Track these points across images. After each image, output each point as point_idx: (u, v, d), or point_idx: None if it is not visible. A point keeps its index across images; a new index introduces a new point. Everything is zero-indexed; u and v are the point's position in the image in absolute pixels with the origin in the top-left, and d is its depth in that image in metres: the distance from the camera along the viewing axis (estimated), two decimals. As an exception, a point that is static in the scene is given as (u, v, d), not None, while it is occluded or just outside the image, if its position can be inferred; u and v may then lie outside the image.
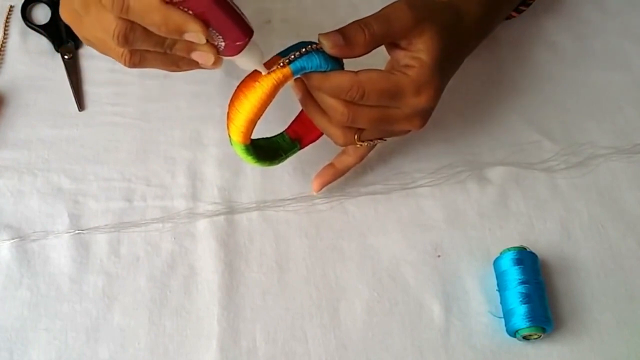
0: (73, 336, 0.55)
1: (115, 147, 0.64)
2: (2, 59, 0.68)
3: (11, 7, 0.70)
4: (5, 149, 0.63)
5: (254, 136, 0.53)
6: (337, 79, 0.50)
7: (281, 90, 0.51)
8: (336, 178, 0.61)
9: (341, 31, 0.50)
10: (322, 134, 0.58)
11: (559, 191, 0.65)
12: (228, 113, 0.51)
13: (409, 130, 0.56)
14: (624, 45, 0.73)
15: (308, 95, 0.54)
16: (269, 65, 0.50)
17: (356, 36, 0.50)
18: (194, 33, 0.45)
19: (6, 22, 0.69)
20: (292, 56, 0.49)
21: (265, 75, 0.49)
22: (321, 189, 0.61)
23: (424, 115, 0.54)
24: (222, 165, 0.64)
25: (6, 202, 0.60)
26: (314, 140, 0.59)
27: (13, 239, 0.59)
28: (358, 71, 0.51)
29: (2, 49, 0.68)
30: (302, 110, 0.58)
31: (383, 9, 0.51)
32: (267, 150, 0.57)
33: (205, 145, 0.65)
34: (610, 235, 0.63)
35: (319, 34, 0.50)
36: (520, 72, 0.71)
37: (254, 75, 0.50)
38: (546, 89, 0.70)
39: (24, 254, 0.58)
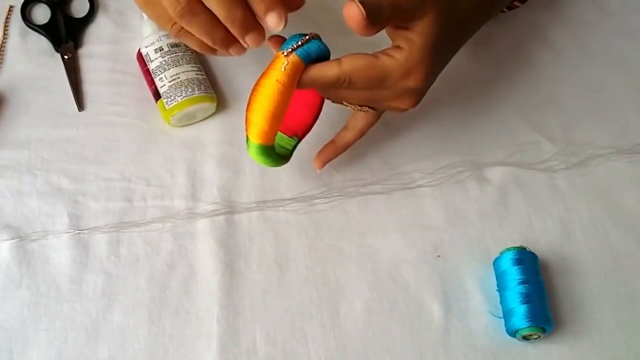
0: (73, 336, 0.55)
1: (115, 147, 0.64)
2: (2, 59, 0.67)
3: (11, 7, 0.70)
4: (5, 149, 0.63)
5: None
6: (322, 74, 0.50)
7: None
8: (337, 154, 0.62)
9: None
10: (315, 119, 0.58)
11: (559, 191, 0.65)
12: (246, 116, 0.49)
13: (404, 109, 0.55)
14: (624, 46, 0.73)
15: None
16: (274, 61, 0.49)
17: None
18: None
19: (6, 22, 0.69)
20: (294, 45, 0.48)
21: (273, 68, 0.48)
22: (323, 166, 0.62)
23: (414, 95, 0.53)
24: (221, 165, 0.63)
25: (6, 202, 0.60)
26: (309, 128, 0.59)
27: (13, 239, 0.59)
28: (341, 59, 0.50)
29: (2, 49, 0.68)
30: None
31: None
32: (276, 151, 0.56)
33: (205, 145, 0.65)
34: (610, 235, 0.63)
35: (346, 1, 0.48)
36: (520, 72, 0.71)
37: (264, 73, 0.49)
38: (546, 89, 0.70)
39: (24, 254, 0.58)
